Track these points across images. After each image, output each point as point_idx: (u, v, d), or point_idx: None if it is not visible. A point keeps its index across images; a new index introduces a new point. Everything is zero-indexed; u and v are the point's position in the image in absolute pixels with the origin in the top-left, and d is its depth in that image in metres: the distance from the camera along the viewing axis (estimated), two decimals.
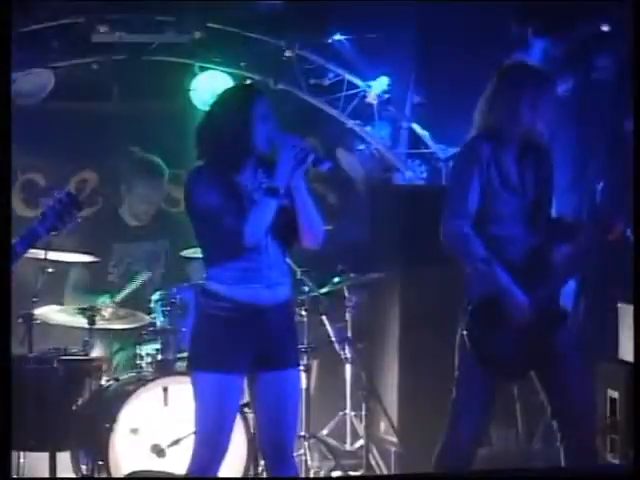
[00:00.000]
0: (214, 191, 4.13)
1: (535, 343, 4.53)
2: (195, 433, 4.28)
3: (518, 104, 4.55)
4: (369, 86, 7.03)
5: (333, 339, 6.47)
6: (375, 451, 6.51)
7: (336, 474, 6.24)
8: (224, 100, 4.32)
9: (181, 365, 5.61)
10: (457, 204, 4.53)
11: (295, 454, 4.60)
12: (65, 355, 5.68)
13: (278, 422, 4.25)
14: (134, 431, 5.54)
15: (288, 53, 6.93)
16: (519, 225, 4.59)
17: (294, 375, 4.32)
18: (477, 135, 4.64)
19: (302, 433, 6.04)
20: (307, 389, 6.14)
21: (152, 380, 5.63)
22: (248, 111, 4.18)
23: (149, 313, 5.88)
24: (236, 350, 4.15)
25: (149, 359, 5.83)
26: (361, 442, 6.37)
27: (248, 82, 6.59)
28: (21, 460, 5.60)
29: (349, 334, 6.51)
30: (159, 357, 5.79)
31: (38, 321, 5.66)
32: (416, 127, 7.21)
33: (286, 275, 4.28)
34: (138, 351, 5.88)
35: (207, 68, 6.92)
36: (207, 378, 4.16)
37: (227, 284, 4.17)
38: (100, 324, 5.86)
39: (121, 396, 5.59)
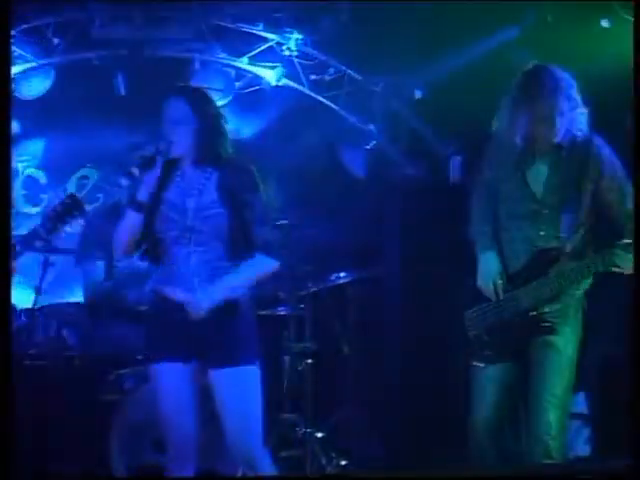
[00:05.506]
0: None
1: None
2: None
3: None
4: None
5: (333, 336, 6.47)
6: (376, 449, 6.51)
7: (336, 472, 6.25)
8: None
9: None
10: None
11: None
12: (66, 351, 5.68)
13: (237, 419, 4.24)
14: (135, 426, 5.55)
15: (289, 49, 6.94)
16: None
17: (245, 373, 4.27)
18: None
19: (302, 431, 6.05)
20: (306, 387, 6.15)
21: None
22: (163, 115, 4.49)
23: None
24: (171, 344, 4.22)
25: None
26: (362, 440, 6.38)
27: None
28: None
29: (349, 331, 6.51)
30: None
31: (40, 316, 5.68)
32: (418, 123, 7.20)
33: (213, 281, 4.24)
34: None
35: (209, 64, 6.93)
36: (153, 368, 4.28)
37: (158, 283, 4.30)
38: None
39: (122, 391, 5.60)
